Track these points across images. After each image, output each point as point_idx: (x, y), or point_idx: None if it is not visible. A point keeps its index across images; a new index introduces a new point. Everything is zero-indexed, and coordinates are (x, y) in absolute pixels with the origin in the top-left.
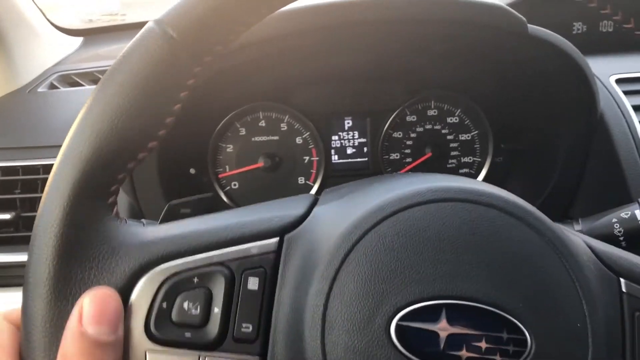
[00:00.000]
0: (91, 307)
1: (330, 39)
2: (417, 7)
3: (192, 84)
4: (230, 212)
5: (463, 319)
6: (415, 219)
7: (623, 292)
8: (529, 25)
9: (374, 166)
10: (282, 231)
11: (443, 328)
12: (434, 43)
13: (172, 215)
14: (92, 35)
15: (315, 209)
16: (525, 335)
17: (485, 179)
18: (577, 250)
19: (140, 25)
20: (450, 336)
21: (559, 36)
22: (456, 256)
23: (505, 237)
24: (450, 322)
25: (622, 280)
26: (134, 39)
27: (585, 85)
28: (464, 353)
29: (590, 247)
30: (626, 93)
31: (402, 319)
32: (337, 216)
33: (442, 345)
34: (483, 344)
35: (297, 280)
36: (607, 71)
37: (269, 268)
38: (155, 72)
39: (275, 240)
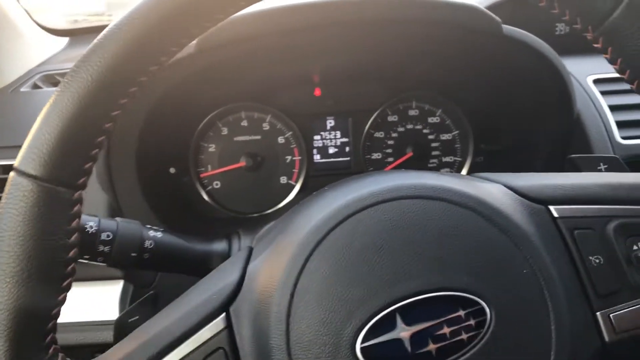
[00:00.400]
0: None
1: (310, 39)
2: (392, 7)
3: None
4: (171, 307)
5: (418, 315)
6: (338, 240)
7: (555, 217)
8: (503, 25)
9: (356, 166)
10: (225, 305)
11: (403, 332)
12: (411, 44)
13: (123, 328)
14: (77, 35)
15: (249, 267)
16: (479, 302)
17: None
18: (500, 201)
19: None
20: (414, 336)
21: (533, 36)
22: (387, 259)
23: (425, 222)
24: (408, 323)
25: (550, 207)
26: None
27: (561, 85)
28: (432, 347)
29: (511, 188)
30: (603, 93)
31: (363, 341)
32: (270, 267)
33: (409, 348)
34: (446, 330)
35: (256, 346)
36: (585, 71)
37: (227, 346)
38: (36, 222)
39: (222, 317)
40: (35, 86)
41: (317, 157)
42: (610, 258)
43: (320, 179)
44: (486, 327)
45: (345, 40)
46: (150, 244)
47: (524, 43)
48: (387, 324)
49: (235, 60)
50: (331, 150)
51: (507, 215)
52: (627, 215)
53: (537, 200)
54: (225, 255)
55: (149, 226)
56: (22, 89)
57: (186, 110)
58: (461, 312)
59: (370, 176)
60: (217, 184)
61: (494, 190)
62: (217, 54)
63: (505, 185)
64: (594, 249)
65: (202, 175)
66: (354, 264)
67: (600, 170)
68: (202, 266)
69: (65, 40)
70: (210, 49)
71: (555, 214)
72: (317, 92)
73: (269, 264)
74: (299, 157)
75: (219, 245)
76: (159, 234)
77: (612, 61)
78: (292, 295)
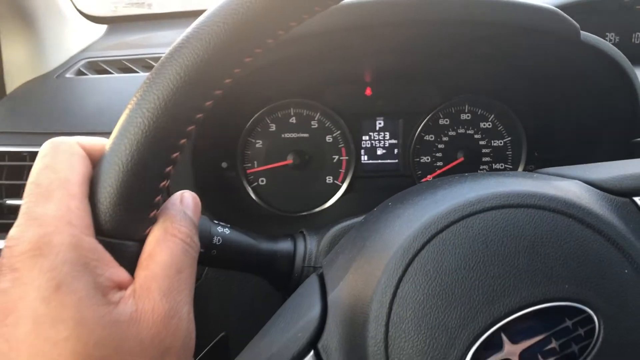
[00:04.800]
0: (191, 198)
1: (366, 37)
2: (471, 8)
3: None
4: (252, 350)
5: (523, 331)
6: (427, 262)
7: None
8: (581, 32)
9: (404, 168)
10: (312, 343)
11: (511, 351)
12: (481, 45)
13: None
14: (116, 23)
15: (330, 298)
16: (586, 310)
17: None
18: (586, 200)
19: (166, 15)
20: (523, 353)
21: (610, 45)
22: (481, 277)
23: (515, 232)
24: (514, 341)
25: (635, 199)
26: None
27: (632, 97)
28: None
29: (590, 183)
30: None
31: None
32: (356, 296)
33: None
34: (555, 344)
35: None
36: None
37: None
38: None
39: (310, 355)
40: (80, 73)
41: (364, 158)
42: None
43: (367, 180)
44: (596, 335)
45: (402, 39)
46: (219, 241)
47: (600, 51)
48: (492, 344)
49: (289, 58)
50: (379, 152)
51: (597, 214)
52: None
53: (620, 193)
54: (290, 256)
55: (216, 222)
56: (67, 75)
57: (238, 106)
58: (568, 323)
59: (440, 187)
60: (262, 181)
61: (574, 188)
62: (274, 53)
63: (583, 180)
64: None
65: (248, 172)
66: (447, 286)
67: None
68: (266, 266)
69: (103, 27)
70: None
71: None
72: (368, 91)
73: (353, 294)
74: (346, 157)
75: (284, 245)
76: (226, 230)
77: None
78: (387, 326)
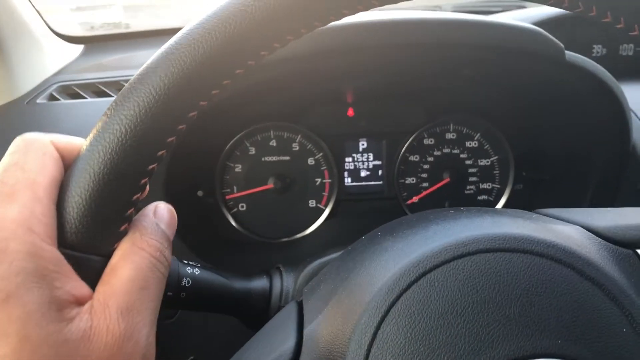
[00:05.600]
0: (166, 210)
1: (349, 59)
2: (454, 30)
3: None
4: None
5: None
6: (411, 303)
7: None
8: (566, 52)
9: (389, 190)
10: None
11: None
12: (464, 67)
13: None
14: (93, 43)
15: (306, 332)
16: None
17: (504, 207)
18: (587, 249)
19: (145, 34)
20: None
21: (595, 64)
22: (469, 324)
23: (508, 279)
24: None
25: (639, 251)
26: None
27: (619, 114)
28: None
29: (592, 231)
30: None
31: None
32: (333, 333)
33: None
34: None
35: None
36: (635, 99)
37: None
38: None
39: None
40: (52, 97)
41: (348, 181)
42: None
43: (351, 203)
44: None
45: (384, 62)
46: (188, 282)
47: (585, 70)
48: None
49: (269, 79)
50: (363, 174)
51: (598, 265)
52: None
53: (623, 244)
54: (266, 294)
55: (185, 261)
56: (38, 100)
57: (215, 130)
58: None
59: (433, 222)
60: (242, 207)
61: (575, 235)
62: (254, 75)
63: (584, 227)
64: None
65: (227, 197)
66: (432, 331)
67: None
68: (240, 306)
69: (79, 48)
70: (250, 71)
71: None
72: (350, 112)
73: (331, 330)
74: (329, 180)
75: (259, 283)
76: (196, 271)
77: None
78: None
